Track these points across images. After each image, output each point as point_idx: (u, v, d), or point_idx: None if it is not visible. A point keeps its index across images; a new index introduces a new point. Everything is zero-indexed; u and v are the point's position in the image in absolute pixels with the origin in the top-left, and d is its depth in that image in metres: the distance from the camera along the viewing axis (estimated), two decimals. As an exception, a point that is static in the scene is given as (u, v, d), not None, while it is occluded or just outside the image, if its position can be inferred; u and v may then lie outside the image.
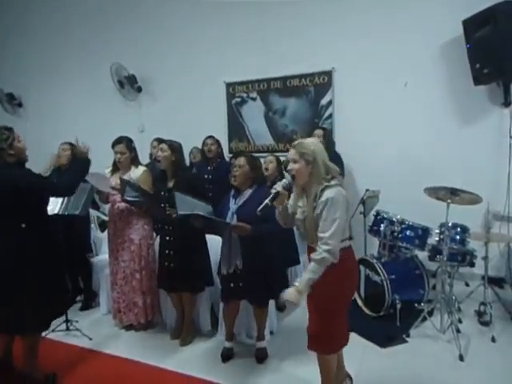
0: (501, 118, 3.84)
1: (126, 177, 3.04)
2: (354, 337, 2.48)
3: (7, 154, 2.29)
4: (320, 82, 4.58)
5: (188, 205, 2.55)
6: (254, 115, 4.99)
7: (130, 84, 5.41)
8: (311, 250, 2.00)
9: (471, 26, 3.63)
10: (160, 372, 2.68)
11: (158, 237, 3.17)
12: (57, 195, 2.73)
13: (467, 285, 3.84)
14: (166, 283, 3.02)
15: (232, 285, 2.65)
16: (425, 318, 3.05)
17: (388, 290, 3.12)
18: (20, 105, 6.51)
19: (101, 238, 4.15)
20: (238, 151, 4.91)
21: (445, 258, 3.01)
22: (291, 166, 1.98)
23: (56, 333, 3.09)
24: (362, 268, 3.40)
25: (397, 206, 3.61)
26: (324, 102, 4.58)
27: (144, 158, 4.49)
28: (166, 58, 5.30)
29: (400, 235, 3.41)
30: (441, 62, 4.02)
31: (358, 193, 4.11)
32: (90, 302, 3.77)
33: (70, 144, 3.65)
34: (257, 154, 4.34)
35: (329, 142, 3.98)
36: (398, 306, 3.08)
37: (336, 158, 3.85)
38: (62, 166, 3.61)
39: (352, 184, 4.30)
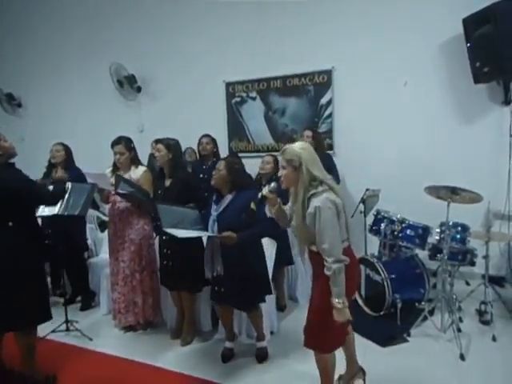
0: (501, 116, 3.83)
1: (126, 177, 3.04)
2: (354, 336, 2.47)
3: None
4: (320, 81, 4.57)
5: (174, 215, 2.54)
6: (253, 115, 4.98)
7: (129, 84, 5.40)
8: (311, 253, 2.06)
9: (471, 24, 3.62)
10: (160, 372, 2.68)
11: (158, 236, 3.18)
12: (41, 202, 2.75)
13: (468, 284, 3.83)
14: (167, 281, 3.03)
15: (216, 288, 2.68)
16: (425, 317, 3.05)
17: (388, 289, 3.11)
18: (19, 105, 6.50)
19: (101, 238, 4.16)
20: (242, 151, 4.91)
21: (445, 257, 3.00)
22: (280, 171, 2.01)
23: (56, 333, 3.10)
24: (362, 267, 3.40)
25: (397, 205, 3.61)
26: (324, 101, 4.57)
27: (144, 158, 4.49)
28: (166, 57, 5.29)
29: (400, 234, 3.40)
30: (441, 61, 4.02)
31: (358, 192, 4.08)
32: (89, 302, 3.77)
33: (63, 144, 3.66)
34: (257, 154, 4.38)
35: (318, 143, 3.89)
36: (399, 306, 3.07)
37: (328, 160, 3.77)
38: (57, 165, 3.61)
39: (352, 183, 4.30)
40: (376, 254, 3.60)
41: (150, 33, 5.35)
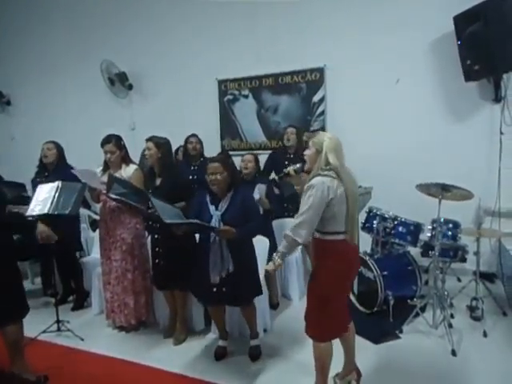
0: (491, 113, 3.86)
1: (117, 175, 3.01)
2: (355, 337, 2.47)
3: None
4: (312, 79, 4.57)
5: (169, 210, 2.51)
6: (246, 113, 4.97)
7: (120, 81, 5.36)
8: (314, 240, 2.16)
9: (462, 22, 3.64)
10: (153, 371, 2.66)
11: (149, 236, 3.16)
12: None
13: (459, 280, 3.87)
14: (158, 280, 3.02)
15: (215, 289, 2.58)
16: (417, 314, 3.07)
17: (381, 286, 3.13)
18: (9, 103, 6.42)
19: (92, 238, 4.12)
20: (235, 149, 4.90)
21: (437, 254, 3.02)
22: (306, 151, 2.20)
23: (47, 333, 3.06)
24: (355, 265, 3.41)
25: (389, 202, 3.63)
26: (316, 98, 4.58)
27: (136, 156, 4.46)
28: (158, 55, 5.25)
29: (392, 231, 3.42)
30: (432, 59, 4.04)
31: (350, 190, 4.11)
32: (81, 302, 3.73)
33: (54, 142, 3.61)
34: (249, 152, 4.36)
35: (299, 141, 3.97)
36: (391, 302, 3.09)
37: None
38: (48, 164, 3.56)
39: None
40: (368, 251, 3.62)
41: (142, 31, 5.31)
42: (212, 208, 2.58)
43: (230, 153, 4.50)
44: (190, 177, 3.81)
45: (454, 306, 3.33)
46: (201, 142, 4.03)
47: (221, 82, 5.03)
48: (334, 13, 4.34)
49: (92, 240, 4.12)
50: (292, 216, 3.69)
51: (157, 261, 2.96)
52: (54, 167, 3.54)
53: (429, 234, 3.37)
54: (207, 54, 4.95)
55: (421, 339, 2.91)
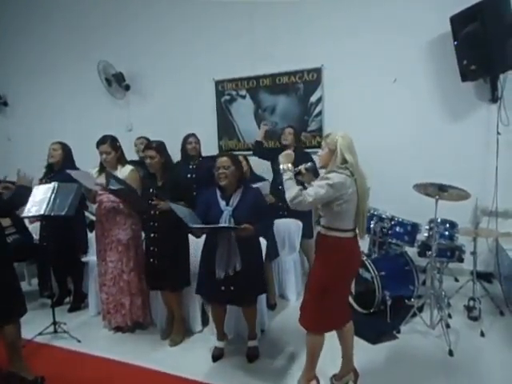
0: (488, 113, 3.87)
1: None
2: (353, 336, 2.46)
3: None
4: (309, 79, 4.56)
5: (183, 213, 2.51)
6: (243, 113, 4.96)
7: (117, 82, 5.34)
8: (318, 236, 2.24)
9: (459, 22, 3.65)
10: (150, 373, 2.65)
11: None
12: None
13: (456, 280, 3.87)
14: (151, 280, 3.00)
15: (223, 288, 2.57)
16: (415, 314, 3.07)
17: (378, 286, 3.13)
18: (5, 104, 6.39)
19: (90, 238, 4.09)
20: (232, 149, 4.90)
21: (434, 254, 3.02)
22: (319, 152, 2.27)
23: (44, 335, 3.05)
24: (352, 265, 3.40)
25: (386, 202, 3.63)
26: (313, 99, 4.57)
27: (133, 157, 4.45)
28: (155, 55, 5.24)
29: (390, 232, 3.43)
30: (429, 59, 4.04)
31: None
32: (79, 304, 3.72)
33: (61, 143, 3.60)
34: (247, 152, 4.36)
35: (298, 141, 4.03)
36: (389, 303, 3.09)
37: (306, 158, 3.81)
38: (54, 165, 3.56)
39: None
40: (366, 251, 3.61)
41: (139, 31, 5.29)
42: (223, 203, 2.58)
43: (211, 154, 4.47)
44: (188, 175, 3.81)
45: (451, 305, 3.34)
46: (199, 142, 4.02)
47: (218, 83, 5.02)
48: (332, 13, 4.33)
49: (89, 241, 4.10)
50: (286, 216, 3.72)
51: (151, 260, 2.94)
52: (59, 168, 3.53)
53: (426, 234, 3.37)
54: (204, 54, 4.94)
55: (418, 339, 2.91)
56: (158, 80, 5.27)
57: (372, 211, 3.54)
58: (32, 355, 2.60)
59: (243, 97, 4.94)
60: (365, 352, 2.71)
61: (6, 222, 3.27)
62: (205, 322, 3.15)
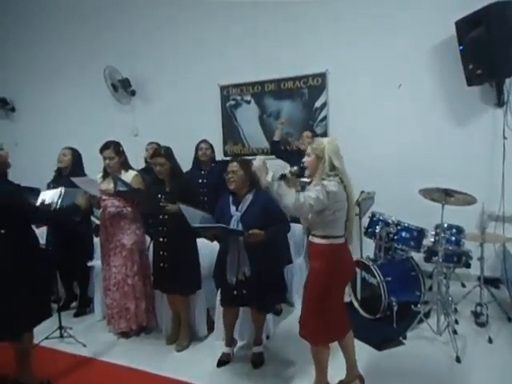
0: (494, 118, 3.85)
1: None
2: (354, 343, 2.46)
3: None
4: (314, 84, 4.57)
5: (195, 216, 2.54)
6: (248, 118, 4.98)
7: (123, 87, 5.38)
8: (309, 244, 2.23)
9: (464, 26, 3.64)
10: (156, 378, 2.66)
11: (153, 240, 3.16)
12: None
13: (463, 286, 3.84)
14: (161, 284, 3.00)
15: (235, 292, 2.59)
16: (421, 320, 3.05)
17: (384, 292, 3.11)
18: (13, 109, 6.46)
19: (95, 243, 4.11)
20: (233, 154, 4.91)
21: (440, 260, 3.00)
22: (305, 158, 2.21)
23: (50, 340, 3.06)
24: (358, 270, 3.39)
25: (392, 207, 3.61)
26: (318, 104, 4.58)
27: (139, 162, 4.48)
28: (160, 61, 5.28)
29: (396, 237, 3.40)
30: (434, 64, 4.03)
31: (353, 195, 4.10)
32: (84, 308, 3.73)
33: (71, 149, 3.64)
34: (251, 157, 4.36)
35: None
36: (395, 308, 3.07)
37: None
38: (63, 170, 3.59)
39: (347, 186, 4.29)
40: (371, 256, 3.59)
41: (145, 36, 5.33)
42: (233, 209, 2.60)
43: (226, 159, 4.51)
44: (200, 180, 3.83)
45: (458, 311, 3.31)
46: (211, 148, 4.04)
47: (223, 88, 5.05)
48: (337, 18, 4.35)
49: (95, 245, 4.12)
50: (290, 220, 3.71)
51: (161, 264, 2.94)
52: (68, 173, 3.56)
53: (432, 240, 3.34)
54: (209, 59, 4.97)
55: (425, 346, 2.89)
56: (163, 85, 5.30)
57: (378, 216, 3.52)
58: (38, 359, 2.60)
59: (248, 102, 4.96)
60: (370, 358, 2.70)
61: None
62: (210, 327, 3.15)
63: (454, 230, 3.29)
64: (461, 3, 3.64)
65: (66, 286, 3.82)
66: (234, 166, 2.59)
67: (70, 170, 3.54)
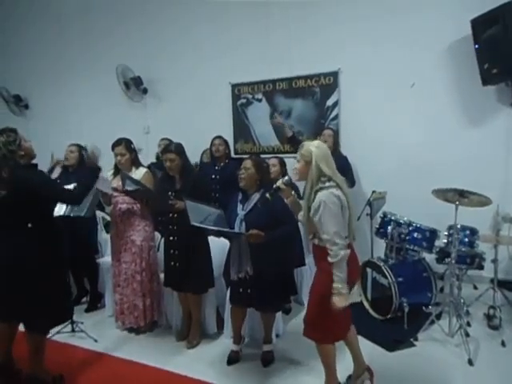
0: (509, 118, 3.79)
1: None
2: (360, 340, 2.46)
3: (18, 155, 2.32)
4: (326, 82, 4.55)
5: (200, 212, 2.53)
6: (259, 116, 4.97)
7: (135, 85, 5.42)
8: (314, 247, 2.22)
9: (480, 25, 3.59)
10: (166, 374, 2.67)
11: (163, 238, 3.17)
12: (64, 202, 2.78)
13: (476, 288, 3.79)
14: (173, 282, 3.01)
15: (241, 290, 2.60)
16: (433, 322, 3.02)
17: (395, 292, 3.08)
18: (27, 106, 6.55)
19: (106, 239, 4.15)
20: (248, 152, 4.91)
21: (453, 261, 2.96)
22: (295, 164, 2.19)
23: (61, 334, 3.09)
24: (368, 271, 3.37)
25: (404, 207, 3.58)
26: (330, 102, 4.55)
27: (151, 159, 4.50)
28: (172, 59, 5.30)
29: (407, 237, 3.37)
30: (448, 63, 3.98)
31: (364, 194, 4.07)
32: (95, 304, 3.77)
33: (78, 145, 3.67)
34: (262, 156, 4.36)
35: (336, 143, 4.07)
36: (406, 309, 3.04)
37: (342, 161, 3.86)
38: (69, 167, 3.62)
39: (358, 185, 4.27)
40: (382, 257, 3.57)
41: (157, 35, 5.36)
42: (240, 207, 2.60)
43: (243, 156, 4.50)
44: (213, 176, 3.85)
45: (470, 314, 3.25)
46: (226, 144, 4.06)
47: (234, 86, 5.05)
48: (349, 17, 4.32)
49: (106, 242, 4.16)
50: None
51: (172, 263, 2.95)
52: (74, 170, 3.59)
53: (445, 241, 3.31)
54: (221, 58, 4.98)
55: (436, 348, 2.86)
56: (174, 83, 5.32)
57: (389, 216, 3.49)
58: (50, 354, 2.63)
59: (259, 100, 4.95)
60: (381, 359, 2.68)
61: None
62: (219, 325, 3.15)
63: (468, 232, 3.26)
64: (477, 2, 3.58)
65: (77, 281, 3.86)
66: (247, 163, 2.59)
67: (76, 167, 3.58)
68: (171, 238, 2.95)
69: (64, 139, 3.86)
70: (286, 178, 2.30)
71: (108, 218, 4.41)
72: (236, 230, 2.56)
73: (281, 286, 2.61)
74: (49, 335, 2.98)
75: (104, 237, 4.25)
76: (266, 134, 4.95)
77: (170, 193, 2.91)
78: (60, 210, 3.05)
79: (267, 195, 2.28)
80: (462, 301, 3.13)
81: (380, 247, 3.71)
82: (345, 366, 2.40)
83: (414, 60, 4.06)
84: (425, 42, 3.98)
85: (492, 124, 3.87)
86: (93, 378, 2.67)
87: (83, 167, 3.60)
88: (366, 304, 3.37)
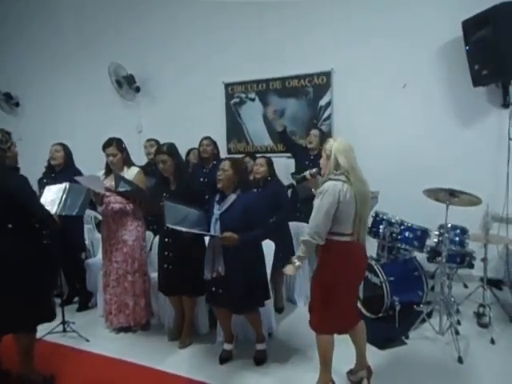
0: (500, 119, 3.84)
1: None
2: (365, 333, 2.45)
3: (5, 156, 2.33)
4: (319, 82, 4.57)
5: (178, 213, 2.52)
6: (252, 116, 4.98)
7: (128, 84, 5.38)
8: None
9: (470, 27, 3.63)
10: (158, 374, 2.66)
11: (157, 238, 3.15)
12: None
13: (466, 286, 3.83)
14: (166, 286, 2.98)
15: (213, 289, 2.62)
16: (424, 320, 3.04)
17: (387, 291, 3.11)
18: (17, 104, 6.47)
19: (98, 239, 4.13)
20: (241, 152, 4.91)
21: (444, 260, 3.00)
22: (321, 159, 2.29)
23: (53, 334, 3.07)
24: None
25: (396, 207, 3.61)
26: (323, 102, 4.57)
27: (143, 158, 4.48)
28: (165, 57, 5.28)
29: (399, 236, 3.40)
30: (440, 64, 4.02)
31: (356, 194, 4.09)
32: (86, 303, 3.75)
33: (62, 144, 3.63)
34: (261, 155, 4.36)
35: (322, 143, 4.00)
36: (397, 308, 3.07)
37: None
38: (56, 166, 3.58)
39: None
40: (374, 256, 3.59)
41: (150, 33, 5.34)
42: (216, 207, 2.60)
43: (236, 156, 4.50)
44: (201, 179, 3.82)
45: (460, 312, 3.30)
46: (214, 144, 4.04)
47: (227, 85, 5.04)
48: (342, 17, 4.34)
49: (98, 241, 4.14)
50: (304, 218, 3.70)
51: (165, 265, 2.92)
52: (61, 169, 3.57)
53: (436, 240, 3.34)
54: (214, 57, 4.97)
55: (427, 346, 2.89)
56: (168, 82, 5.30)
57: (381, 215, 3.52)
58: (41, 354, 2.62)
59: (252, 99, 4.95)
60: (372, 357, 2.68)
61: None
62: (212, 325, 3.15)
63: (458, 231, 3.29)
64: (468, 3, 3.63)
65: (69, 280, 3.83)
66: (225, 164, 2.60)
67: (62, 166, 3.55)
68: (166, 240, 2.93)
69: (56, 137, 3.83)
70: (315, 170, 2.36)
71: (100, 217, 4.39)
72: (212, 229, 2.56)
73: (249, 288, 2.56)
74: (40, 335, 2.98)
75: (97, 236, 4.23)
76: (260, 134, 4.95)
77: (164, 194, 2.88)
78: (51, 209, 3.02)
79: (293, 181, 2.34)
80: (452, 299, 3.18)
81: (372, 246, 3.73)
82: (345, 366, 2.43)
83: (406, 61, 4.10)
84: (417, 43, 4.02)
85: (483, 124, 3.92)
86: (84, 379, 2.65)
87: (70, 166, 3.59)
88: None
